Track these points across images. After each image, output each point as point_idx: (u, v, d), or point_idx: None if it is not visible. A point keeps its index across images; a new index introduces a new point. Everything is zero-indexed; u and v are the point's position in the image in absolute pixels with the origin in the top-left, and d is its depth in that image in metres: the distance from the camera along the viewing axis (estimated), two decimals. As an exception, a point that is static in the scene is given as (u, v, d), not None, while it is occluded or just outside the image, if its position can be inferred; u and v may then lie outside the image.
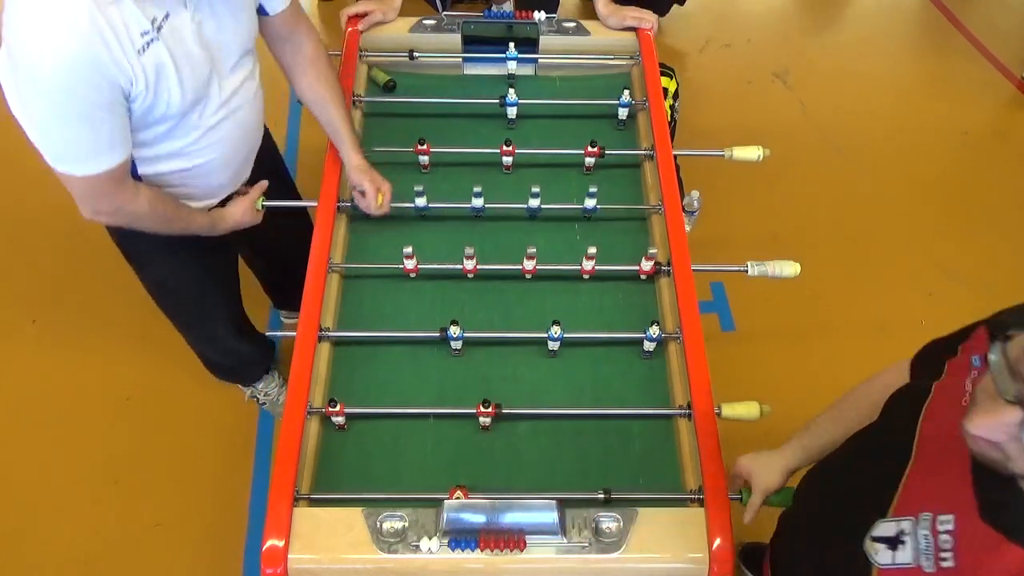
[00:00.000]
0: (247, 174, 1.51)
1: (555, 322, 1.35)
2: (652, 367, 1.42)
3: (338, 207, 1.54)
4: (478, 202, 1.54)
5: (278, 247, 1.86)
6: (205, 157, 1.34)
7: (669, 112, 2.13)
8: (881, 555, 0.79)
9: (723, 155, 1.67)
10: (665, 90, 2.16)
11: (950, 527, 0.73)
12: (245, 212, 1.50)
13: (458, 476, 1.24)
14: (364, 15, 1.80)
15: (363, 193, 1.50)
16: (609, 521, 1.16)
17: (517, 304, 1.49)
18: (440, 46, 1.84)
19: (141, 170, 1.29)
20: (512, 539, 1.12)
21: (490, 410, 1.28)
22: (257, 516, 1.95)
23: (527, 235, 1.55)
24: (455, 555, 1.13)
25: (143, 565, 1.90)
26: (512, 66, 1.80)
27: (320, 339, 1.36)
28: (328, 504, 1.19)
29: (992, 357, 0.67)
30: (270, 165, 1.59)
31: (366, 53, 1.82)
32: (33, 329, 2.30)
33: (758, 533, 1.31)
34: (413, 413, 1.34)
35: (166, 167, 1.31)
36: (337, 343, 1.42)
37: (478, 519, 1.14)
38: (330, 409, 1.26)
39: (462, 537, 1.12)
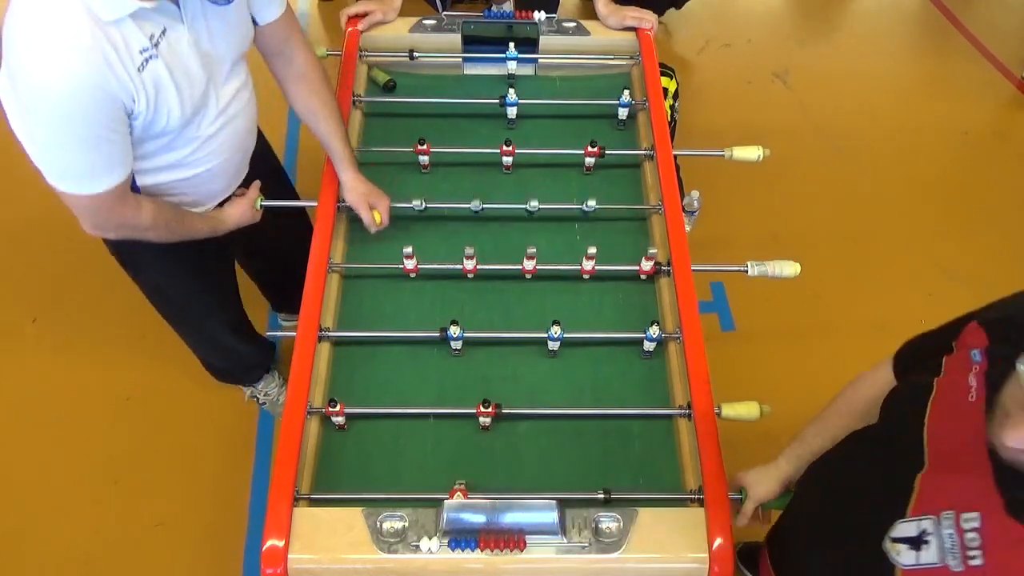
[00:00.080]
0: (243, 177, 1.51)
1: (555, 322, 1.35)
2: (652, 367, 1.42)
3: (338, 207, 1.54)
4: (475, 205, 1.54)
5: (276, 248, 1.86)
6: (204, 166, 1.35)
7: (669, 112, 2.13)
8: (904, 556, 0.79)
9: (723, 155, 1.67)
10: (665, 90, 2.16)
11: (976, 525, 0.73)
12: (244, 212, 1.50)
13: (458, 476, 1.24)
14: (364, 15, 1.80)
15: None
16: (609, 521, 1.16)
17: (517, 304, 1.49)
18: (440, 46, 1.84)
19: (140, 181, 1.29)
20: (512, 539, 1.12)
21: (490, 410, 1.28)
22: (257, 516, 1.95)
23: (527, 235, 1.55)
24: (455, 555, 1.13)
25: (143, 565, 1.90)
26: (512, 66, 1.80)
27: (320, 339, 1.36)
28: (328, 504, 1.19)
29: (1021, 367, 0.66)
30: (264, 167, 1.59)
31: (366, 53, 1.82)
32: (33, 329, 2.30)
33: (758, 532, 1.32)
34: (413, 413, 1.34)
35: (165, 178, 1.32)
36: (337, 343, 1.42)
37: (478, 519, 1.14)
38: (330, 409, 1.26)
39: (462, 537, 1.12)
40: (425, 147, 1.60)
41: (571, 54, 1.86)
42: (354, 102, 1.72)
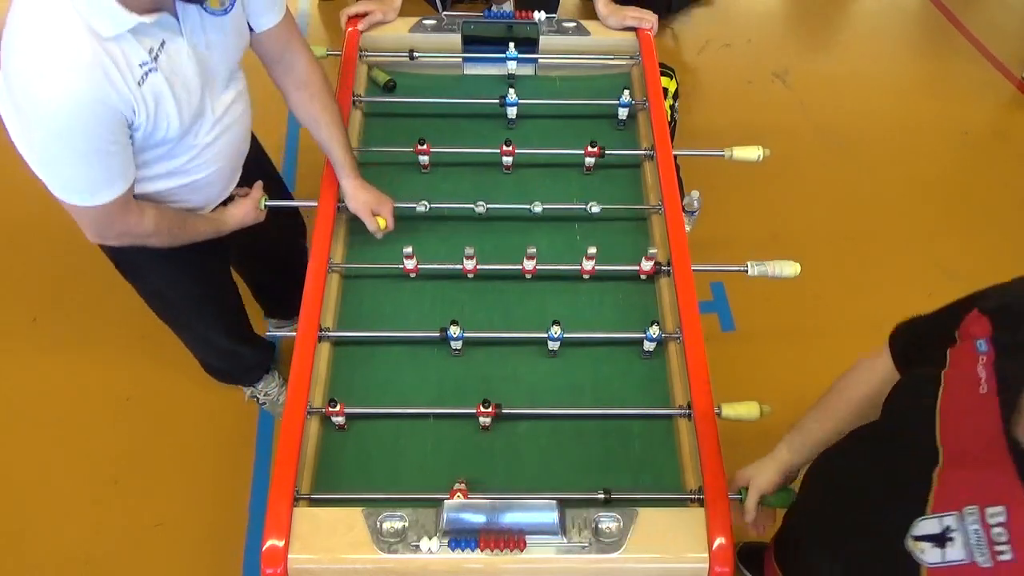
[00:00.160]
0: (237, 181, 1.51)
1: (555, 322, 1.35)
2: (652, 367, 1.42)
3: (338, 207, 1.54)
4: (480, 207, 1.54)
5: (268, 251, 1.87)
6: (201, 173, 1.35)
7: (669, 112, 2.13)
8: (928, 554, 0.78)
9: (723, 155, 1.67)
10: (665, 90, 2.16)
11: (1002, 519, 0.72)
12: (248, 212, 1.50)
13: (458, 476, 1.24)
14: (364, 15, 1.80)
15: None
16: (609, 521, 1.16)
17: (517, 304, 1.49)
18: (440, 46, 1.84)
19: (138, 189, 1.29)
20: (512, 539, 1.12)
21: (490, 410, 1.28)
22: (257, 516, 1.95)
23: (527, 235, 1.55)
24: (455, 555, 1.13)
25: (143, 565, 1.90)
26: (512, 66, 1.80)
27: (320, 339, 1.36)
28: (328, 504, 1.19)
29: None
30: (257, 171, 1.58)
31: (366, 53, 1.82)
32: (33, 329, 2.30)
33: (752, 535, 1.31)
34: (413, 413, 1.34)
35: (162, 185, 1.32)
36: (337, 343, 1.42)
37: (478, 519, 1.14)
38: (330, 409, 1.26)
39: (462, 537, 1.12)
40: (425, 147, 1.60)
41: (571, 54, 1.86)
42: (354, 102, 1.72)
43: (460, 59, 1.85)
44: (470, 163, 1.68)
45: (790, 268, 1.50)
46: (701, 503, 1.19)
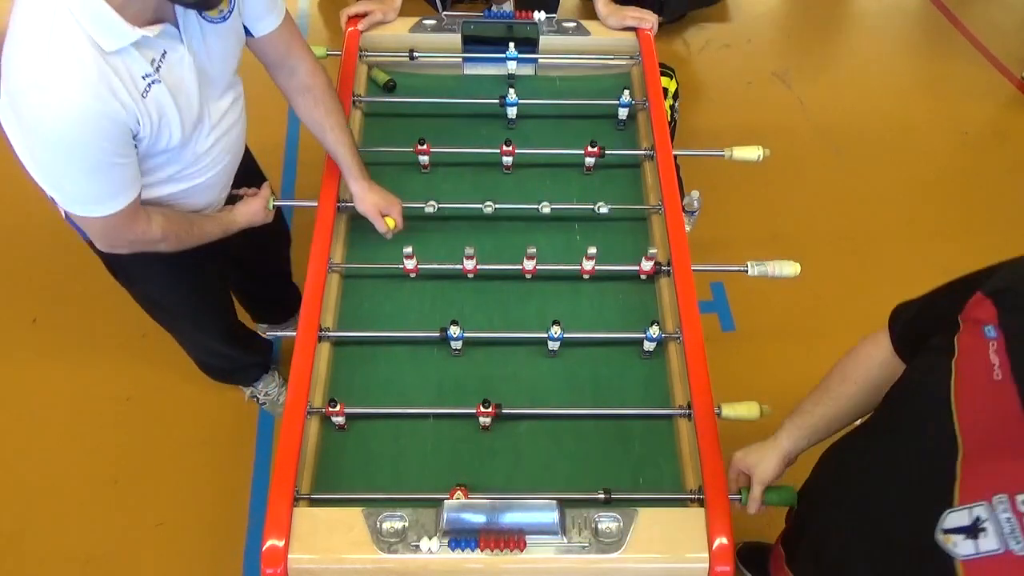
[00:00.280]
0: (231, 183, 1.51)
1: (555, 322, 1.35)
2: (652, 367, 1.42)
3: (338, 207, 1.54)
4: (488, 207, 1.54)
5: (254, 258, 1.87)
6: (200, 178, 1.35)
7: (669, 112, 2.13)
8: (961, 546, 0.77)
9: (723, 155, 1.67)
10: (665, 90, 2.16)
11: None
12: (256, 212, 1.51)
13: (458, 476, 1.24)
14: (364, 15, 1.80)
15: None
16: (609, 521, 1.16)
17: (517, 304, 1.49)
18: (440, 46, 1.84)
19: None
20: (512, 539, 1.12)
21: (490, 410, 1.28)
22: (257, 516, 1.95)
23: (527, 235, 1.55)
24: (455, 555, 1.13)
25: (143, 565, 1.90)
26: (512, 66, 1.80)
27: (320, 339, 1.36)
28: (328, 504, 1.19)
29: None
30: (245, 176, 1.58)
31: (366, 53, 1.82)
32: (33, 329, 2.30)
33: (758, 533, 1.31)
34: (413, 413, 1.34)
35: (163, 191, 1.32)
36: (337, 343, 1.42)
37: (478, 519, 1.14)
38: (330, 409, 1.26)
39: (462, 537, 1.12)
40: (425, 147, 1.60)
41: (571, 54, 1.86)
42: (354, 102, 1.72)
43: (460, 59, 1.85)
44: (470, 163, 1.68)
45: (790, 268, 1.50)
46: (701, 503, 1.19)
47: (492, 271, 1.49)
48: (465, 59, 1.85)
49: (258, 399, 2.12)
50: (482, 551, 1.12)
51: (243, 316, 2.10)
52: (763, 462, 1.15)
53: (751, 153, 1.65)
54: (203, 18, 1.17)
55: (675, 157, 1.67)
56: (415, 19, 1.85)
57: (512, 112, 1.73)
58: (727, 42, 3.34)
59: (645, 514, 1.17)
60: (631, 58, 1.86)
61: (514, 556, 1.13)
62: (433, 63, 1.85)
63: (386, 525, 1.15)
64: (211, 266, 1.65)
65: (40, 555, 1.90)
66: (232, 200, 1.51)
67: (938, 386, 0.83)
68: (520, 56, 1.78)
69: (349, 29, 1.80)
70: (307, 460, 1.26)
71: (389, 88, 1.83)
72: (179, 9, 1.12)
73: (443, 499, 1.15)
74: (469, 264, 1.45)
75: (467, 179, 1.67)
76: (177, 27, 1.14)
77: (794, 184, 2.79)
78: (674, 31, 3.33)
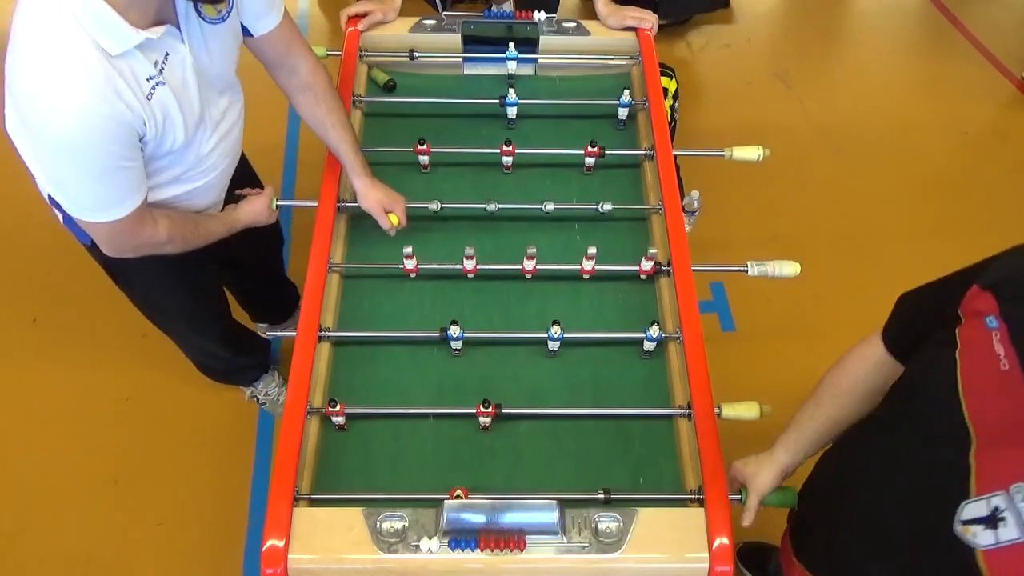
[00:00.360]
0: (227, 186, 1.51)
1: (555, 322, 1.35)
2: (652, 367, 1.42)
3: (338, 207, 1.54)
4: (491, 206, 1.54)
5: (250, 259, 1.87)
6: (201, 180, 1.36)
7: (669, 112, 2.13)
8: (981, 537, 0.77)
9: (723, 155, 1.67)
10: (665, 90, 2.16)
11: None
12: (260, 212, 1.51)
13: (458, 476, 1.25)
14: (364, 15, 1.80)
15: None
16: (609, 521, 1.16)
17: (517, 304, 1.49)
18: (440, 46, 1.84)
19: None
20: (512, 539, 1.12)
21: (490, 410, 1.28)
22: (257, 516, 1.95)
23: (527, 235, 1.55)
24: (455, 555, 1.13)
25: (143, 565, 1.90)
26: (512, 66, 1.80)
27: (320, 339, 1.36)
28: (328, 504, 1.19)
29: None
30: (242, 179, 1.58)
31: (366, 53, 1.82)
32: (33, 329, 2.30)
33: (758, 533, 1.31)
34: (413, 413, 1.34)
35: (166, 194, 1.32)
36: (337, 343, 1.42)
37: (478, 519, 1.14)
38: (330, 409, 1.26)
39: (462, 537, 1.12)
40: (425, 147, 1.60)
41: (571, 54, 1.86)
42: (354, 102, 1.72)
43: (460, 59, 1.85)
44: (470, 163, 1.68)
45: (790, 268, 1.50)
46: (701, 503, 1.19)
47: (492, 271, 1.49)
48: (465, 59, 1.85)
49: (258, 399, 2.12)
50: (482, 551, 1.12)
51: (243, 317, 2.11)
52: (760, 474, 1.16)
53: (751, 153, 1.65)
54: (202, 18, 1.17)
55: (675, 157, 1.67)
56: (415, 19, 1.85)
57: (512, 112, 1.73)
58: (727, 42, 3.34)
59: (645, 514, 1.17)
60: (631, 58, 1.86)
61: (514, 556, 1.13)
62: (433, 63, 1.85)
63: (386, 525, 1.15)
64: (209, 267, 1.65)
65: (40, 555, 1.90)
66: (234, 200, 1.51)
67: (944, 379, 0.83)
68: (520, 56, 1.78)
69: (349, 29, 1.80)
70: (307, 460, 1.26)
71: (389, 88, 1.83)
72: (180, 10, 1.13)
73: (443, 499, 1.15)
74: (469, 264, 1.45)
75: (467, 179, 1.67)
76: (178, 28, 1.14)
77: (794, 184, 2.79)
78: (674, 31, 3.33)
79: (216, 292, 1.77)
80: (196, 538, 1.93)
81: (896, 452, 0.92)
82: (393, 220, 1.50)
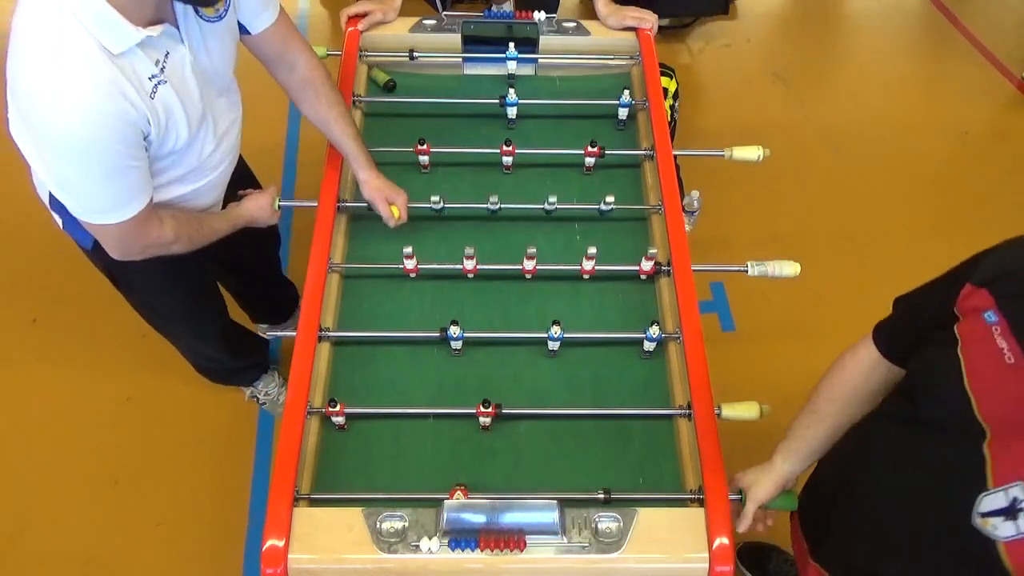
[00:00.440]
0: (226, 185, 1.51)
1: (555, 322, 1.35)
2: (652, 367, 1.42)
3: (338, 207, 1.54)
4: (493, 203, 1.54)
5: (250, 259, 1.88)
6: (202, 180, 1.36)
7: (669, 112, 2.13)
8: (1001, 528, 0.77)
9: (723, 155, 1.67)
10: (665, 90, 2.16)
11: None
12: (263, 209, 1.51)
13: (458, 476, 1.24)
14: (364, 15, 1.80)
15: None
16: (609, 521, 1.16)
17: (517, 304, 1.49)
18: (440, 46, 1.84)
19: None
20: (512, 539, 1.12)
21: (490, 410, 1.28)
22: (257, 516, 1.95)
23: (527, 235, 1.55)
24: (455, 555, 1.13)
25: (143, 565, 1.90)
26: (512, 66, 1.80)
27: (320, 339, 1.36)
28: (328, 504, 1.19)
29: None
30: (239, 180, 1.58)
31: (366, 53, 1.82)
32: (33, 329, 2.30)
33: (757, 533, 1.31)
34: (413, 413, 1.34)
35: (167, 194, 1.32)
36: (337, 343, 1.42)
37: (478, 519, 1.14)
38: (330, 409, 1.26)
39: (462, 537, 1.12)
40: (425, 147, 1.60)
41: (571, 54, 1.86)
42: (354, 102, 1.72)
43: (460, 59, 1.85)
44: (470, 163, 1.68)
45: (790, 268, 1.50)
46: (701, 503, 1.19)
47: (492, 271, 1.49)
48: (465, 59, 1.85)
49: (258, 399, 2.12)
50: (482, 551, 1.12)
51: (243, 318, 2.11)
52: (759, 483, 1.17)
53: (751, 153, 1.65)
54: (200, 17, 1.17)
55: (675, 157, 1.67)
56: (415, 19, 1.85)
57: (512, 112, 1.73)
58: (727, 42, 3.34)
59: (645, 514, 1.17)
60: (631, 58, 1.86)
61: (514, 556, 1.13)
62: (433, 63, 1.85)
63: (386, 525, 1.15)
64: (209, 269, 1.66)
65: (40, 555, 1.90)
66: (235, 200, 1.52)
67: (950, 376, 0.83)
68: (520, 56, 1.78)
69: (349, 29, 1.80)
70: (307, 460, 1.26)
71: (389, 88, 1.83)
72: (179, 9, 1.13)
73: (443, 499, 1.15)
74: (469, 264, 1.45)
75: (467, 179, 1.67)
76: (177, 27, 1.14)
77: (794, 184, 2.79)
78: (674, 33, 3.33)
79: (214, 294, 1.77)
80: (196, 538, 1.93)
81: (910, 450, 0.92)
82: (394, 212, 1.50)
